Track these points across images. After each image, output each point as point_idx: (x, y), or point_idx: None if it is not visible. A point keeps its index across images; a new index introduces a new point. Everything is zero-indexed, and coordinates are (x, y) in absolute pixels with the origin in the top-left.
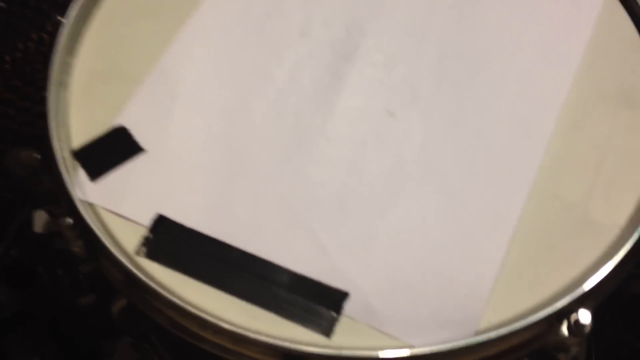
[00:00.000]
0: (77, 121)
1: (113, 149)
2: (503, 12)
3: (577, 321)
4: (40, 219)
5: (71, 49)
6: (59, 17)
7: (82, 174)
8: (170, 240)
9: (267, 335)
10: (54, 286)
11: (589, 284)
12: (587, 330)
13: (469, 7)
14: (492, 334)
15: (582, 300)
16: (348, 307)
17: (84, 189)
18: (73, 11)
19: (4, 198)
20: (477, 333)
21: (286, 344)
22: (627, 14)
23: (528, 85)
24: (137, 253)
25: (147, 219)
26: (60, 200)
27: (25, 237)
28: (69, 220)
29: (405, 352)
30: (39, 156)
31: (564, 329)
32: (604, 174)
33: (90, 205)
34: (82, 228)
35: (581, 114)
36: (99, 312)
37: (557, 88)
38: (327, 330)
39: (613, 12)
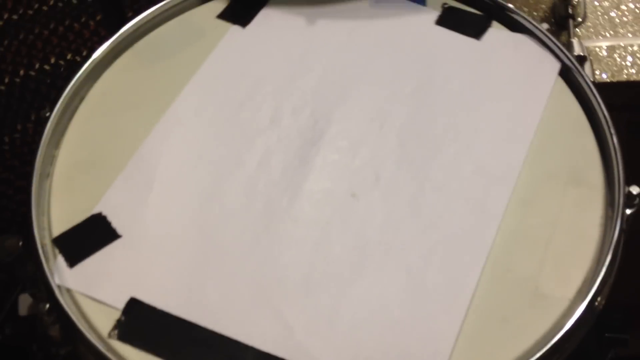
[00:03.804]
0: (57, 209)
1: (91, 236)
2: (458, 99)
3: None
4: (24, 303)
5: (55, 142)
6: (47, 113)
7: (61, 261)
8: (141, 322)
9: None
10: None
11: (540, 355)
12: None
13: (427, 95)
14: None
15: None
16: None
17: (62, 275)
18: (57, 106)
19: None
20: None
21: None
22: (575, 98)
23: (482, 166)
24: (110, 335)
25: (121, 303)
26: (40, 286)
27: (19, 316)
28: (46, 306)
29: None
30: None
31: None
32: (553, 248)
33: (68, 290)
34: (59, 312)
35: (532, 192)
36: None
37: (509, 168)
38: None
39: (562, 96)
